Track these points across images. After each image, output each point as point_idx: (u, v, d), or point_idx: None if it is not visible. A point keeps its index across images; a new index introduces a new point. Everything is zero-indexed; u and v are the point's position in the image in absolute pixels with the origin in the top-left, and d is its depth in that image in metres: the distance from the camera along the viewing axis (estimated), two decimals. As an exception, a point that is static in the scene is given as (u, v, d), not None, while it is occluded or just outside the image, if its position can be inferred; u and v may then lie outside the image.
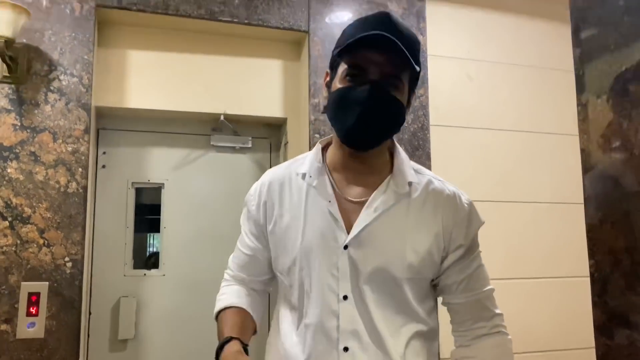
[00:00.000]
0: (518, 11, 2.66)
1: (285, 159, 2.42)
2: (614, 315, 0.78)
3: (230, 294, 1.17)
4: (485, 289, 1.10)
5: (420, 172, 1.12)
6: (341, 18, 2.37)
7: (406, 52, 0.96)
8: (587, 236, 0.84)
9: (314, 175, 1.08)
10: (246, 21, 2.24)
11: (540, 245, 2.50)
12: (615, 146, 0.79)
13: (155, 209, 2.35)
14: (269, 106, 2.40)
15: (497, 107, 2.56)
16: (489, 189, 2.49)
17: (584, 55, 0.86)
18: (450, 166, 2.43)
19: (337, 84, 1.04)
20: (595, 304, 0.81)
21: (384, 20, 1.00)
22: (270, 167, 2.43)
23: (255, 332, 1.15)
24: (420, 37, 2.44)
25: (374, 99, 0.99)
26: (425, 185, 1.09)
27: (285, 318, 1.10)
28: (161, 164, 2.35)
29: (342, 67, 1.03)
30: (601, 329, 0.80)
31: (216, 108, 2.31)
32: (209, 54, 2.33)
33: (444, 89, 2.49)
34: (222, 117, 2.30)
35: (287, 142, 2.41)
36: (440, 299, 1.15)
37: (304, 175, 1.10)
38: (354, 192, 1.07)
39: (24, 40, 1.93)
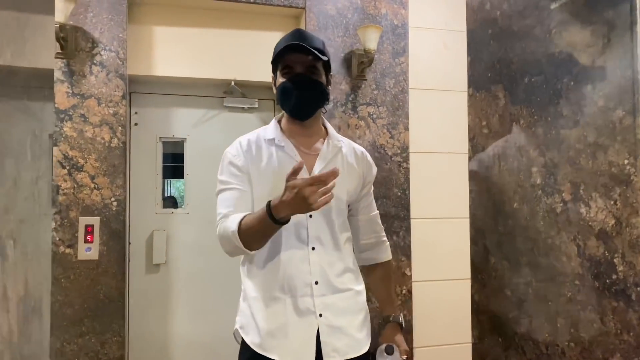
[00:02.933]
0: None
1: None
2: (477, 231, 1.24)
3: (235, 216, 1.50)
4: (376, 211, 1.79)
5: (341, 136, 1.71)
6: (334, -4, 2.75)
7: (314, 50, 1.48)
8: (469, 184, 1.30)
9: (279, 139, 1.59)
10: (252, 0, 2.64)
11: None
12: (483, 124, 1.24)
13: (179, 158, 2.84)
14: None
15: (467, 72, 2.95)
16: (460, 142, 2.92)
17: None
18: (426, 124, 2.86)
19: (279, 80, 1.57)
20: (470, 224, 1.28)
21: (297, 33, 1.56)
22: (274, 125, 2.89)
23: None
24: (402, 11, 2.84)
25: (301, 83, 1.52)
26: (347, 144, 1.69)
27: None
28: (183, 121, 2.83)
29: (279, 70, 1.57)
30: (472, 239, 1.28)
31: (228, 75, 2.75)
32: (221, 28, 2.75)
33: (422, 57, 2.88)
34: (232, 83, 2.75)
35: (288, 103, 2.85)
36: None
37: (272, 140, 1.60)
38: (306, 148, 1.61)
39: (71, 23, 2.37)
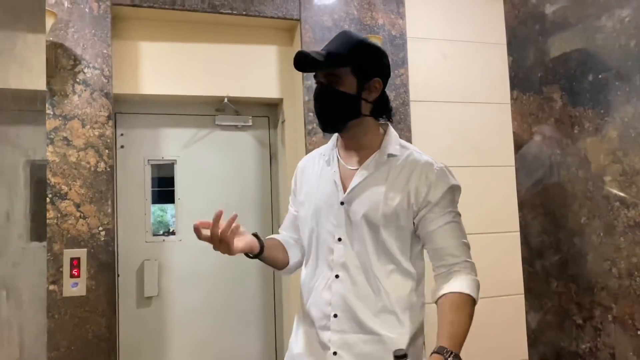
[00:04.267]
0: (487, -6, 2.93)
1: (282, 136, 2.72)
2: (533, 250, 1.11)
3: (272, 236, 1.57)
4: (457, 240, 1.31)
5: (405, 147, 1.43)
6: (329, 6, 2.63)
7: (321, 59, 1.29)
8: (517, 196, 1.17)
9: (327, 154, 1.47)
10: (244, 12, 2.50)
11: (510, 203, 2.83)
12: (534, 130, 1.11)
13: (170, 182, 2.65)
14: (267, 88, 2.69)
15: (468, 83, 2.86)
16: (464, 156, 2.81)
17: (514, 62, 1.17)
18: (429, 137, 2.74)
19: None
20: (522, 243, 1.14)
21: (339, 35, 1.39)
22: (269, 142, 2.75)
23: (287, 263, 1.50)
24: (400, 21, 2.73)
25: (320, 95, 1.37)
26: (406, 157, 1.39)
27: (307, 254, 1.47)
28: (173, 142, 2.65)
29: None
30: (526, 261, 1.14)
31: (220, 91, 2.59)
32: (212, 42, 2.60)
33: (422, 68, 2.78)
34: (225, 100, 2.59)
35: (284, 120, 2.71)
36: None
37: (322, 155, 1.49)
38: (351, 162, 1.41)
39: (51, 39, 2.19)
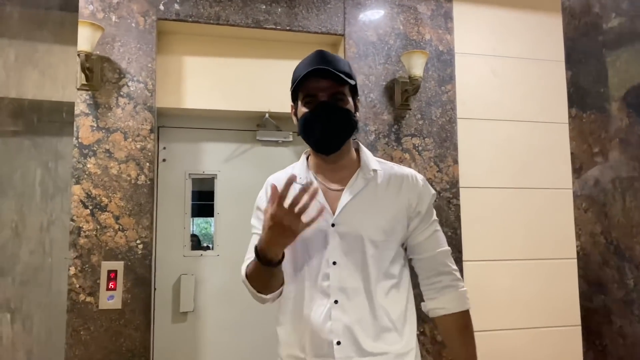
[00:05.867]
0: (538, 8, 2.81)
1: (323, 151, 2.67)
2: (592, 284, 1.00)
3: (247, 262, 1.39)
4: (442, 248, 1.39)
5: (383, 162, 1.44)
6: (374, 21, 2.58)
7: (340, 74, 1.27)
8: (575, 223, 1.06)
9: (303, 176, 1.39)
10: (288, 28, 2.48)
11: (560, 228, 2.67)
12: (595, 151, 1.00)
13: (209, 196, 2.64)
14: (309, 103, 2.64)
15: (518, 100, 2.74)
16: (511, 176, 2.68)
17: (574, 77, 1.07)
18: (475, 156, 2.63)
19: (301, 110, 1.35)
20: (580, 275, 1.03)
21: (319, 56, 1.33)
22: (310, 159, 2.69)
23: (281, 284, 1.35)
24: (447, 37, 2.65)
25: (326, 114, 1.31)
26: (387, 171, 1.40)
27: (291, 284, 1.36)
28: (214, 156, 2.64)
29: (300, 98, 1.35)
30: (584, 295, 1.02)
31: (261, 106, 2.57)
32: (255, 58, 2.59)
33: (470, 85, 2.68)
34: (266, 115, 2.56)
35: (325, 136, 2.65)
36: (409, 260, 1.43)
37: (295, 178, 1.36)
38: (333, 185, 1.38)
39: (98, 52, 2.22)
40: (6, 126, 0.56)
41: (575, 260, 1.03)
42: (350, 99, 1.35)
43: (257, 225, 1.43)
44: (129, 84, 2.27)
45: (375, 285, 1.30)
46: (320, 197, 1.32)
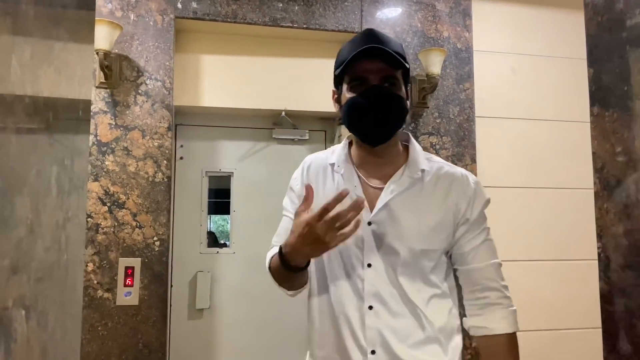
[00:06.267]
0: (558, 5, 2.76)
1: (340, 150, 2.66)
2: (614, 286, 0.97)
3: (274, 249, 1.30)
4: (491, 261, 1.23)
5: (432, 160, 1.28)
6: (392, 19, 2.56)
7: (394, 54, 1.12)
8: (596, 224, 1.03)
9: (341, 165, 1.27)
10: (305, 26, 2.47)
11: (579, 229, 2.63)
12: (618, 151, 0.98)
13: (225, 194, 2.65)
14: (324, 102, 2.62)
15: (538, 98, 2.70)
16: (530, 176, 2.64)
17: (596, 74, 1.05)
18: (493, 155, 2.60)
19: (346, 96, 1.20)
20: (600, 278, 1.00)
21: (369, 35, 1.18)
22: (327, 157, 2.68)
23: (305, 282, 1.28)
24: (466, 34, 2.61)
25: (377, 100, 1.16)
26: (436, 170, 1.24)
27: (320, 285, 1.26)
28: (230, 154, 2.65)
29: (346, 82, 1.20)
30: (604, 298, 1.00)
31: (277, 105, 2.56)
32: (272, 56, 2.58)
33: (488, 83, 2.64)
34: (283, 113, 2.56)
35: (341, 135, 2.64)
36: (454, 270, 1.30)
37: (333, 165, 1.29)
38: (375, 179, 1.24)
39: (116, 51, 2.24)
40: (22, 123, 0.56)
41: (596, 262, 1.00)
42: (401, 85, 1.20)
43: (289, 208, 1.35)
44: (147, 82, 2.28)
45: (414, 293, 1.18)
46: (358, 190, 1.22)
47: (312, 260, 1.24)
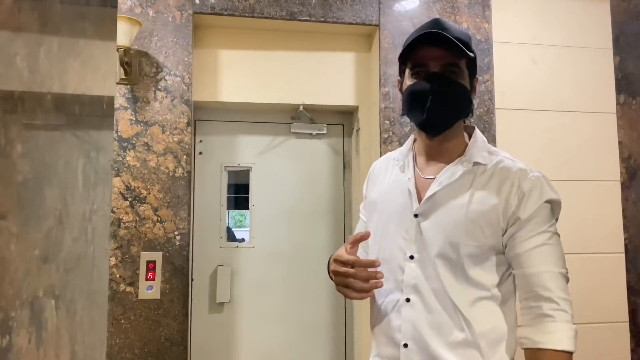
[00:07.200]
0: (584, -6, 2.71)
1: (357, 144, 2.65)
2: (641, 279, 0.96)
3: None
4: (549, 267, 1.10)
5: (495, 154, 1.22)
6: (410, 11, 2.54)
7: (457, 42, 1.10)
8: (623, 215, 1.02)
9: (400, 158, 1.29)
10: (322, 19, 2.47)
11: (605, 221, 2.58)
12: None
13: (245, 188, 2.66)
14: (343, 96, 2.63)
15: (561, 89, 2.65)
16: (554, 168, 2.60)
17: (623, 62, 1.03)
18: (515, 148, 2.56)
19: (406, 83, 1.20)
20: (628, 270, 0.99)
21: (434, 22, 1.18)
22: (343, 150, 2.69)
23: None
24: (485, 25, 2.58)
25: (437, 87, 1.14)
26: (494, 164, 1.18)
27: None
28: (249, 149, 2.66)
29: (408, 69, 1.20)
30: (632, 290, 0.98)
31: (295, 99, 2.56)
32: (289, 50, 2.58)
33: (509, 74, 2.61)
34: (301, 107, 2.56)
35: (359, 128, 2.64)
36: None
37: (396, 160, 1.32)
38: (429, 170, 1.23)
39: (136, 47, 2.26)
40: (49, 119, 0.57)
41: (623, 255, 0.98)
42: (467, 76, 1.18)
43: (361, 209, 1.43)
44: (166, 77, 2.30)
45: (457, 291, 1.13)
46: (410, 183, 1.22)
47: (370, 246, 1.31)
